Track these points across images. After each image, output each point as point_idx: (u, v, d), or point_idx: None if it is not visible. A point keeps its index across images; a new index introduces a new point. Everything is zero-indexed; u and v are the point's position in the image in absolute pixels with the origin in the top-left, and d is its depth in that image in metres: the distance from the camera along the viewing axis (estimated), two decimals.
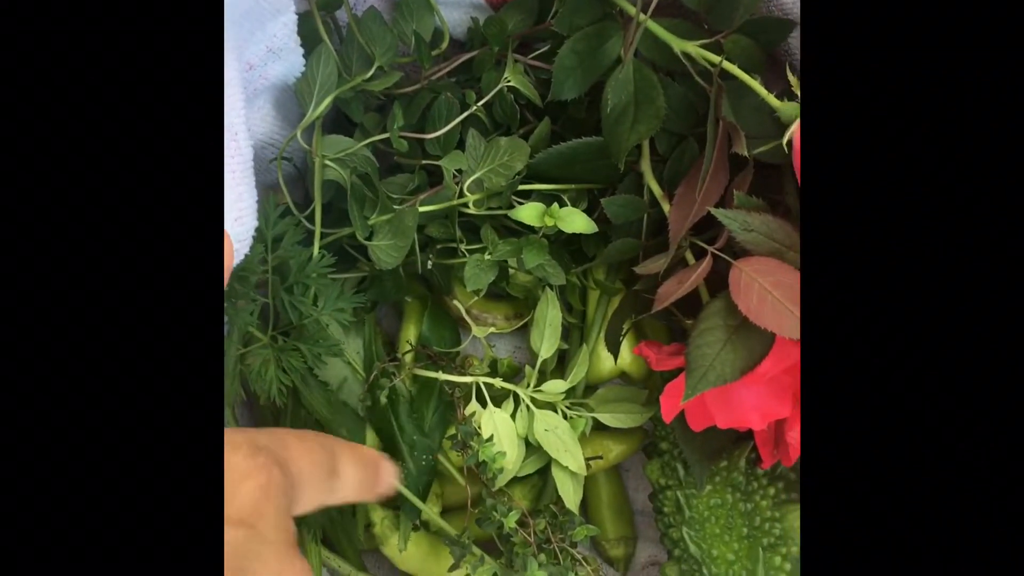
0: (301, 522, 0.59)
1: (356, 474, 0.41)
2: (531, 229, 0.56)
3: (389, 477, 0.43)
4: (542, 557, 0.55)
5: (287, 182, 0.55)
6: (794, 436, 0.51)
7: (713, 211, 0.48)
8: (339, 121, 0.60)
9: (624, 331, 0.59)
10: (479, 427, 0.59)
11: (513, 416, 0.60)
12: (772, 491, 0.56)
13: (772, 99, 0.47)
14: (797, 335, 0.44)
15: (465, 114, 0.55)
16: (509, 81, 0.55)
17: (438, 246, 0.59)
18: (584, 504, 0.66)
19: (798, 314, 0.45)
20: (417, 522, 0.61)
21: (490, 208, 0.56)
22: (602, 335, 0.61)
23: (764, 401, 0.49)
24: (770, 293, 0.46)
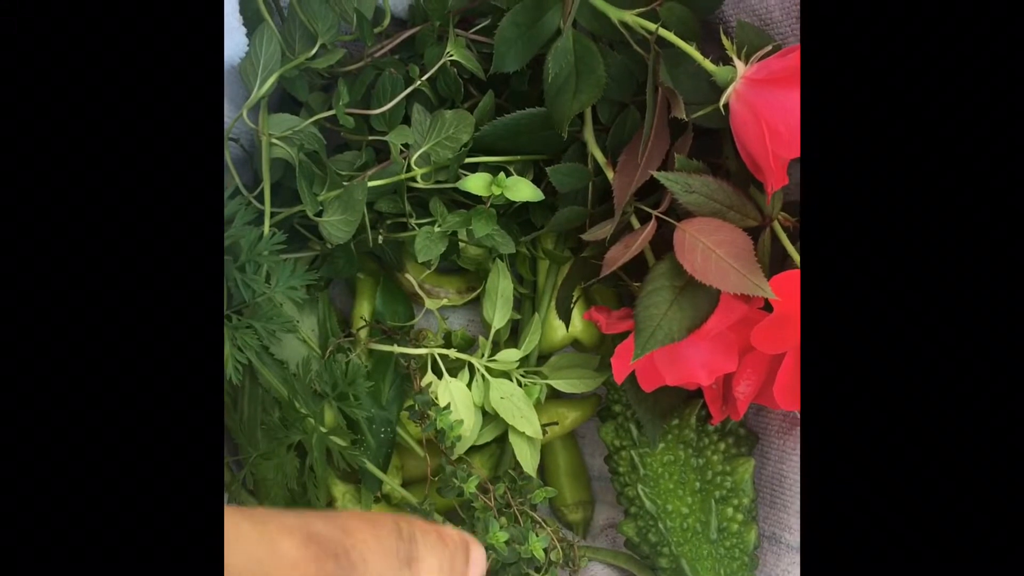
0: (263, 498, 0.59)
1: (438, 562, 0.36)
2: (479, 201, 0.57)
3: (479, 566, 0.38)
4: (503, 520, 0.56)
5: (235, 163, 0.56)
6: (741, 391, 0.52)
7: (656, 175, 0.49)
8: (284, 102, 0.60)
9: (574, 298, 0.60)
10: (436, 397, 0.60)
11: (469, 386, 0.61)
12: (723, 446, 0.58)
13: (708, 64, 0.49)
14: (741, 290, 0.46)
15: (409, 89, 0.56)
16: (452, 55, 0.55)
17: (388, 221, 0.59)
18: (542, 472, 0.67)
19: (742, 270, 0.46)
20: (378, 494, 0.62)
21: (438, 181, 0.56)
22: (553, 303, 0.62)
23: (711, 357, 0.50)
24: (713, 252, 0.47)
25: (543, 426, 0.62)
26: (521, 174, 0.57)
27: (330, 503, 0.62)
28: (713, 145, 0.54)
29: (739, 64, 0.47)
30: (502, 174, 0.55)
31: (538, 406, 0.63)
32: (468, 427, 0.61)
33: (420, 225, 0.57)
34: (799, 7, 0.51)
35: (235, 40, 0.53)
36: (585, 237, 0.54)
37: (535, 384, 0.62)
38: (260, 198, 0.55)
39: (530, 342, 0.63)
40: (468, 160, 0.56)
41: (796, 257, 0.50)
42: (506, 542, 0.55)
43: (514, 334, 0.66)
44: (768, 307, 0.47)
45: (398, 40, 0.58)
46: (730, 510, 0.57)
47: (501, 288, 0.62)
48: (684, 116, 0.48)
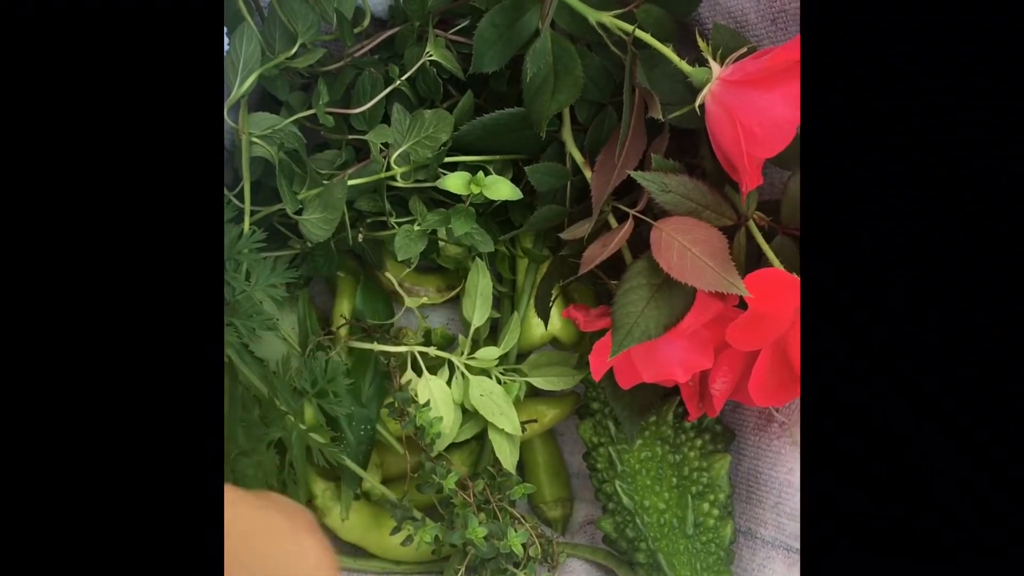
0: None
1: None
2: (459, 200, 0.57)
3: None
4: (482, 516, 0.57)
5: None
6: (717, 388, 0.53)
7: (633, 174, 0.50)
8: (264, 101, 0.60)
9: (553, 297, 0.61)
10: (415, 394, 0.60)
11: (448, 383, 0.62)
12: (699, 442, 0.59)
13: (684, 65, 0.49)
14: (716, 288, 0.46)
15: (389, 89, 0.56)
16: (431, 55, 0.56)
17: (368, 220, 0.60)
18: (521, 469, 0.68)
19: (717, 269, 0.47)
20: (358, 491, 0.62)
21: (417, 180, 0.57)
22: (532, 302, 0.63)
23: (687, 355, 0.51)
24: (689, 250, 0.48)
25: (522, 423, 0.63)
26: (500, 173, 0.58)
27: (310, 500, 0.63)
28: (689, 145, 0.55)
29: (715, 65, 0.48)
30: (481, 173, 0.56)
31: (517, 403, 0.63)
32: (448, 424, 0.61)
33: (400, 224, 0.57)
34: (774, 10, 0.52)
35: None
36: (564, 236, 0.55)
37: (514, 382, 0.63)
38: (240, 196, 0.55)
39: (509, 340, 0.63)
40: (447, 159, 0.57)
41: (771, 256, 0.50)
42: (485, 537, 0.55)
43: (493, 332, 0.66)
44: (743, 305, 0.48)
45: (378, 40, 0.58)
46: (706, 505, 0.58)
47: (480, 287, 0.63)
48: (661, 116, 0.49)
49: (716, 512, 0.58)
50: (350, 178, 0.55)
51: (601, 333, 0.52)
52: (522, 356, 0.66)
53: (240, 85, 0.53)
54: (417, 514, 0.58)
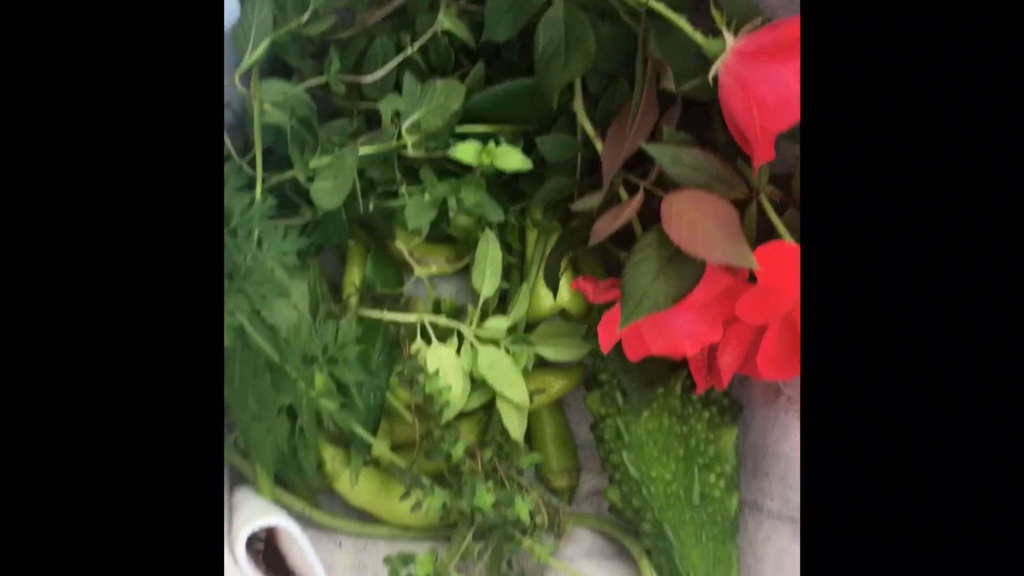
0: (256, 459, 0.60)
1: None
2: (469, 170, 0.57)
3: None
4: (489, 484, 0.57)
5: (227, 128, 0.56)
6: (726, 361, 0.53)
7: (644, 146, 0.49)
8: (276, 69, 0.60)
9: (562, 268, 0.61)
10: (425, 363, 0.60)
11: (457, 353, 0.62)
12: (706, 415, 0.59)
13: (698, 36, 0.49)
14: (727, 261, 0.46)
15: (400, 57, 0.56)
16: (443, 24, 0.56)
17: (378, 189, 0.60)
18: (529, 439, 0.68)
19: (728, 241, 0.47)
20: (368, 457, 0.62)
21: (428, 150, 0.57)
22: (541, 273, 0.63)
23: (696, 327, 0.51)
24: (700, 223, 0.48)
25: (530, 393, 0.63)
26: (511, 144, 0.58)
27: (320, 465, 0.63)
28: (702, 117, 0.55)
29: (728, 37, 0.47)
30: (492, 143, 0.56)
31: (525, 374, 0.63)
32: (456, 393, 0.61)
33: (410, 193, 0.57)
34: None
35: (228, 6, 0.53)
36: (574, 208, 0.55)
37: (523, 352, 0.63)
38: (252, 163, 0.55)
39: (518, 310, 0.64)
40: (458, 130, 0.57)
41: (782, 229, 0.50)
42: (492, 505, 0.56)
43: (502, 303, 0.66)
44: (753, 278, 0.48)
45: (390, 8, 0.58)
46: (713, 477, 0.58)
47: (490, 257, 0.63)
48: (673, 88, 0.49)
49: (722, 484, 0.58)
50: (361, 147, 0.55)
51: (610, 305, 0.52)
52: (531, 327, 0.66)
53: (253, 51, 0.53)
54: (426, 481, 0.58)
